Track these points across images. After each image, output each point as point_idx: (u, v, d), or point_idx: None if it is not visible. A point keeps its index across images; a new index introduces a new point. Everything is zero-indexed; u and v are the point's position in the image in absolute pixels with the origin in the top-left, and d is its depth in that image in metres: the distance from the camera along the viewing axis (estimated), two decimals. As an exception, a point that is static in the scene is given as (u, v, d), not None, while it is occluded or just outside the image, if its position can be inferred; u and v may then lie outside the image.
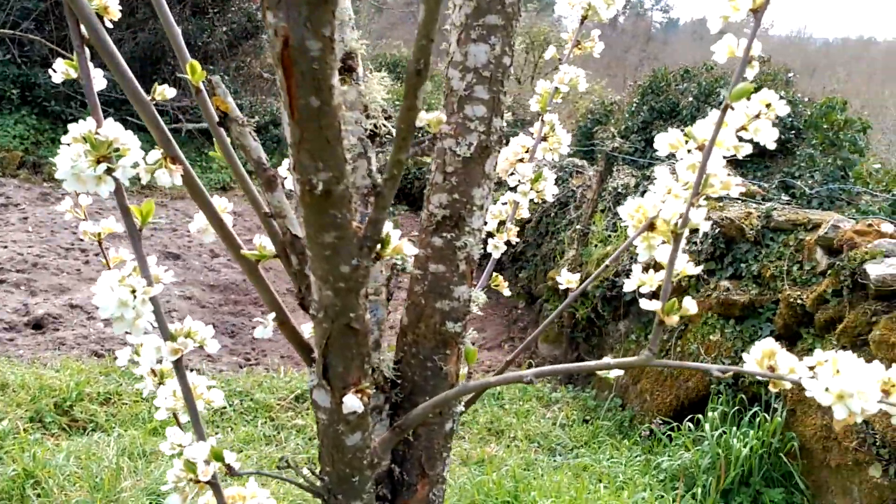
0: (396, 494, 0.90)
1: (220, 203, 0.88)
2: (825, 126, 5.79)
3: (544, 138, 1.10)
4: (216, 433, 4.34)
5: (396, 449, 0.87)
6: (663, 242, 0.81)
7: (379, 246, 0.68)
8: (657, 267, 0.77)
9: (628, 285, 0.79)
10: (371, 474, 0.81)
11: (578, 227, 6.06)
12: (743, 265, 4.51)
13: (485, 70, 0.78)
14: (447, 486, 3.75)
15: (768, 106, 0.81)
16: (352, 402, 0.68)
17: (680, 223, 0.69)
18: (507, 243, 1.12)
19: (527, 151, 1.09)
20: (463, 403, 0.96)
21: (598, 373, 0.81)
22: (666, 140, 0.72)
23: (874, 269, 3.48)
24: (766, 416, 4.05)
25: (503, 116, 0.82)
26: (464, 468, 4.36)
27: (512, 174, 1.07)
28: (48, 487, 3.43)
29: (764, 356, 0.72)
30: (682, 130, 0.71)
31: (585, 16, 1.07)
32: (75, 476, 3.53)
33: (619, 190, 5.94)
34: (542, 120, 1.09)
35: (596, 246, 5.92)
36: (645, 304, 0.73)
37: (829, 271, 3.88)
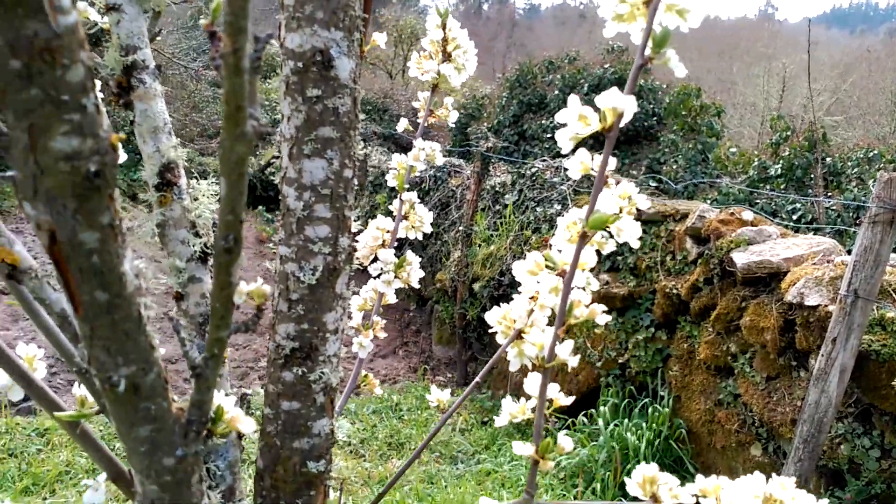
0: None
1: (28, 352, 0.75)
2: (683, 112, 6.06)
3: (405, 217, 1.03)
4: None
5: None
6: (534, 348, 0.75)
7: (211, 423, 0.58)
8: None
9: (499, 420, 0.73)
10: None
11: (461, 228, 6.06)
12: (619, 258, 4.63)
13: (324, 187, 0.69)
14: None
15: (629, 199, 0.77)
16: None
17: (546, 357, 0.64)
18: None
19: (387, 233, 1.01)
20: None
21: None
22: (524, 267, 0.66)
23: (739, 258, 3.65)
24: (658, 405, 4.19)
25: (350, 233, 0.73)
26: (366, 489, 4.27)
27: (374, 261, 0.99)
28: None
29: (646, 482, 0.68)
30: (542, 254, 0.65)
31: (436, 84, 1.00)
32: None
33: (497, 188, 5.98)
34: (401, 199, 1.02)
35: (480, 246, 5.95)
36: (518, 447, 0.67)
37: (700, 260, 4.04)
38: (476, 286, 5.87)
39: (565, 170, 0.78)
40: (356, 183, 0.72)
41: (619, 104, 0.58)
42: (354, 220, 0.75)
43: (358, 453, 4.73)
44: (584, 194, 5.33)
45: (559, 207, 5.34)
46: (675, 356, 4.22)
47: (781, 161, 5.58)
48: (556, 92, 7.77)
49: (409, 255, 0.99)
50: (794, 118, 8.54)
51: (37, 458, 4.06)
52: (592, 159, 0.64)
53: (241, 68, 0.42)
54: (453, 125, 9.42)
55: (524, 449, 0.66)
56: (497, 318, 0.76)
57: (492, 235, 5.90)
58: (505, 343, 0.75)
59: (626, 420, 4.21)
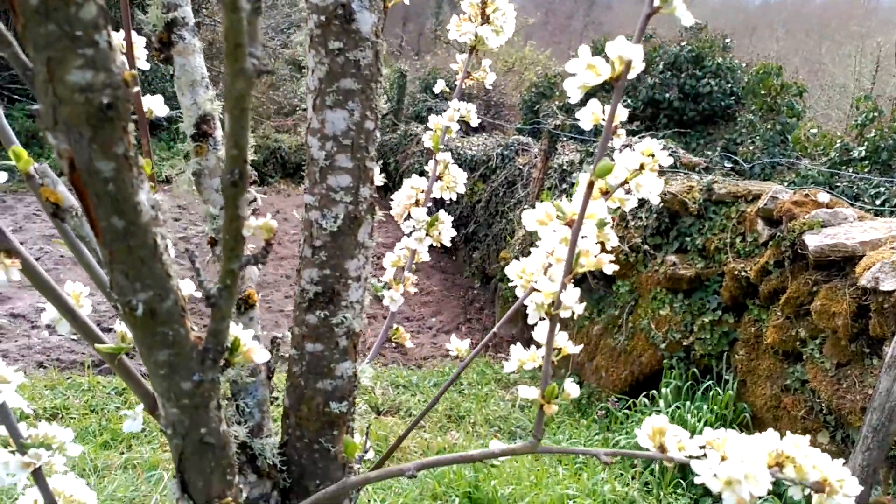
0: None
1: (75, 289, 0.81)
2: (763, 92, 5.84)
3: (439, 177, 1.05)
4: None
5: (289, 534, 0.82)
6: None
7: (227, 353, 0.62)
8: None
9: (508, 366, 0.75)
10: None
11: (527, 206, 6.04)
12: (688, 239, 4.53)
13: (345, 138, 0.72)
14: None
15: (651, 156, 0.77)
16: (212, 523, 0.63)
17: (554, 305, 0.65)
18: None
19: (421, 193, 1.03)
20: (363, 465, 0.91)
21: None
22: (533, 217, 0.68)
23: (812, 240, 3.52)
24: (719, 388, 4.11)
25: (372, 183, 0.76)
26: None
27: (407, 219, 1.01)
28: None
29: (655, 433, 0.69)
30: (552, 203, 0.66)
31: (474, 46, 1.01)
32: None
33: (565, 167, 5.92)
34: (436, 159, 1.04)
35: (545, 225, 5.91)
36: (523, 391, 0.69)
37: (771, 242, 3.91)
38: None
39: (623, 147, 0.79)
40: (378, 135, 0.75)
41: (627, 53, 0.59)
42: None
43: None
44: (654, 174, 5.21)
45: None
46: (742, 340, 4.11)
47: (866, 143, 5.32)
48: (631, 70, 7.58)
49: (442, 213, 1.01)
50: (889, 100, 8.10)
51: (115, 415, 4.29)
52: (603, 111, 0.64)
53: (237, 6, 0.44)
54: (524, 103, 9.35)
55: (529, 392, 0.68)
56: (516, 272, 0.77)
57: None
58: (522, 297, 0.77)
59: (687, 403, 4.14)
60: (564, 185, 5.90)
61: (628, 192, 0.76)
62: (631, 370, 4.80)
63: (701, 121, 7.06)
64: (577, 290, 0.65)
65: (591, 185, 0.61)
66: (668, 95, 7.11)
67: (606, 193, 0.76)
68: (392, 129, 10.43)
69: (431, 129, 1.05)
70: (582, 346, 5.41)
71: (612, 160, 0.73)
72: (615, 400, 4.70)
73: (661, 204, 4.66)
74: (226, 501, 0.66)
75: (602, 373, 5.06)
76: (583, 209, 0.62)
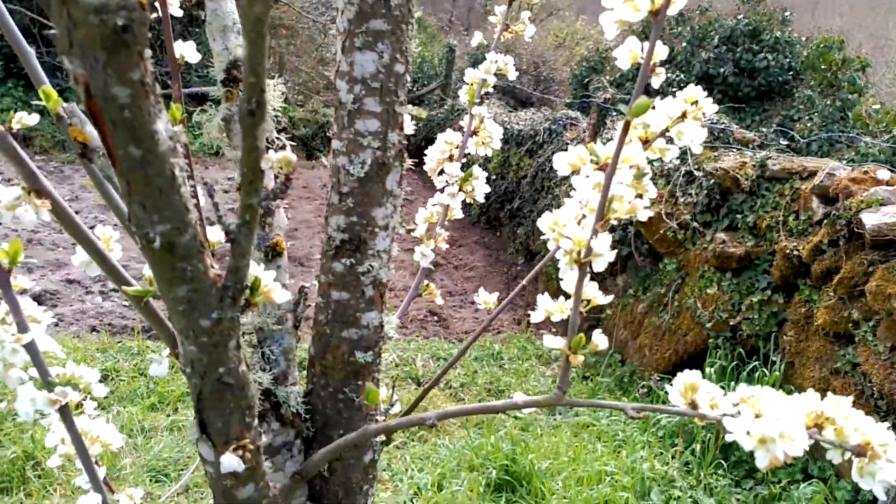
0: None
1: (105, 233, 0.81)
2: (823, 67, 5.61)
3: (474, 133, 1.02)
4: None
5: (313, 483, 0.82)
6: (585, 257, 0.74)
7: (248, 292, 0.62)
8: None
9: (535, 316, 0.73)
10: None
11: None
12: (738, 216, 4.41)
13: (374, 81, 0.70)
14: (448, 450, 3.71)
15: (695, 104, 0.73)
16: (230, 462, 0.63)
17: (583, 253, 0.62)
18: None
19: (456, 148, 1.01)
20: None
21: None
22: (565, 160, 0.65)
23: (870, 219, 3.39)
24: (765, 370, 4.01)
25: (402, 129, 0.74)
26: (463, 431, 4.36)
27: (440, 174, 0.99)
28: (48, 468, 3.46)
29: (687, 389, 0.66)
30: (585, 147, 0.63)
31: (513, -3, 0.98)
32: (75, 456, 3.60)
33: (613, 142, 5.80)
34: (471, 114, 1.01)
35: (591, 200, 5.81)
36: (549, 341, 0.67)
37: (825, 221, 3.78)
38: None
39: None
40: (408, 79, 0.73)
41: (667, -17, 0.55)
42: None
43: (457, 396, 4.83)
44: (707, 149, 5.08)
45: (678, 162, 5.12)
46: (791, 321, 4.00)
47: (933, 119, 5.08)
48: (685, 44, 7.38)
49: (475, 169, 0.98)
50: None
51: (163, 379, 4.40)
52: (642, 49, 0.61)
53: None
54: (574, 78, 9.19)
55: (555, 342, 0.66)
56: (548, 224, 0.75)
57: (605, 190, 5.74)
58: (553, 249, 0.74)
59: (732, 383, 4.06)
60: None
61: (669, 140, 0.73)
62: (675, 349, 4.72)
63: (756, 96, 6.83)
64: (609, 236, 0.62)
65: (626, 126, 0.58)
66: (722, 70, 6.89)
67: (647, 142, 0.73)
68: (440, 105, 10.38)
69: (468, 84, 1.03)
70: (626, 323, 5.35)
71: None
72: (658, 379, 4.64)
73: (712, 180, 4.54)
74: (244, 443, 0.65)
75: (645, 351, 4.99)
76: (617, 151, 0.59)
